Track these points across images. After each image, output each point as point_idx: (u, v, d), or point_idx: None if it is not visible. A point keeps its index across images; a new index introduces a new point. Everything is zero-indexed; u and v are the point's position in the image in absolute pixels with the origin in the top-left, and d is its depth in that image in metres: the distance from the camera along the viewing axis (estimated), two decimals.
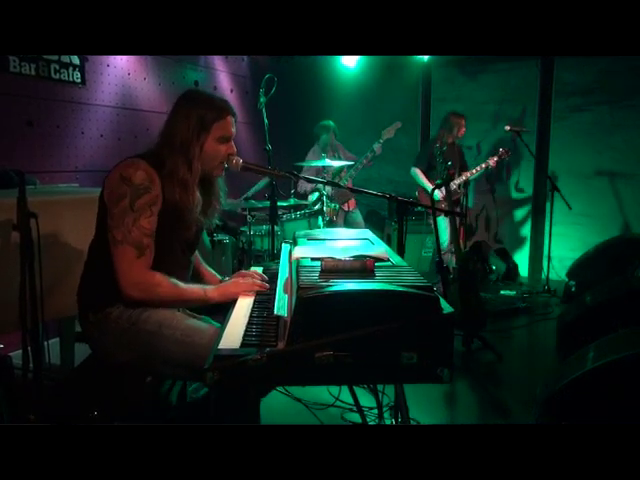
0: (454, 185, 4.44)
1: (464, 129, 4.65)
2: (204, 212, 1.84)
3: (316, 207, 4.26)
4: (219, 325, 1.69)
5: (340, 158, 4.73)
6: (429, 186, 4.57)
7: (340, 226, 4.68)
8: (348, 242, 1.98)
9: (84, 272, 1.80)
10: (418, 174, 4.66)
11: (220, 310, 1.76)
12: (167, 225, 1.71)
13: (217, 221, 1.97)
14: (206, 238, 3.42)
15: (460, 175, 4.52)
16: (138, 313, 1.67)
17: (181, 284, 1.72)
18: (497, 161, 4.50)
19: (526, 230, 5.71)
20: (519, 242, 5.75)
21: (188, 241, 1.87)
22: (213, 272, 2.10)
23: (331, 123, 4.82)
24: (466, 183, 4.49)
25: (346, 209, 4.76)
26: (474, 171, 4.51)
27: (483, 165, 4.50)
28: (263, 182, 4.15)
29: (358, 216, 4.92)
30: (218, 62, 5.01)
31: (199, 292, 1.75)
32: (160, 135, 1.76)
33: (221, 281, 2.01)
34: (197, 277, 2.00)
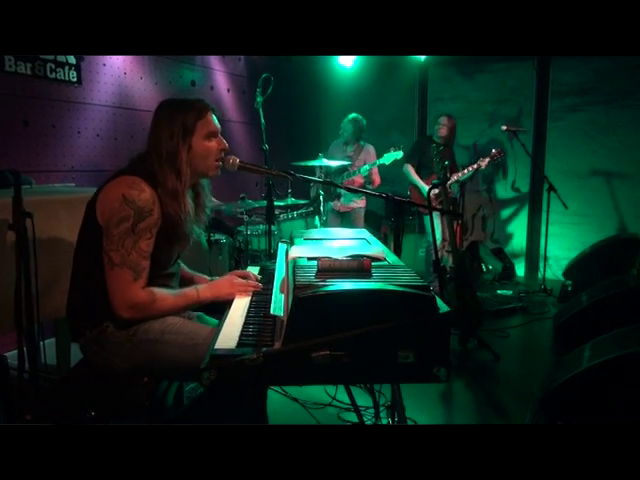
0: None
1: (444, 128, 4.57)
2: (196, 219, 1.80)
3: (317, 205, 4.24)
4: (216, 322, 1.69)
5: (349, 158, 4.68)
6: (421, 184, 4.56)
7: (334, 224, 4.66)
8: (345, 242, 1.98)
9: (73, 289, 1.74)
10: (410, 171, 4.63)
11: (217, 308, 1.75)
12: (165, 240, 1.68)
13: (204, 230, 1.93)
14: (202, 238, 3.41)
15: (451, 175, 4.50)
16: (137, 325, 1.66)
17: (173, 292, 1.70)
18: (489, 162, 4.42)
19: (522, 230, 5.73)
20: (515, 242, 5.77)
21: (182, 250, 1.85)
22: (199, 274, 2.04)
23: (352, 116, 4.68)
24: (462, 184, 4.48)
25: (337, 208, 4.73)
26: (465, 171, 4.46)
27: (475, 166, 4.43)
28: None
29: (361, 211, 4.83)
30: (215, 61, 5.01)
31: (192, 294, 1.73)
32: (147, 148, 1.71)
33: (211, 280, 1.96)
34: (187, 283, 1.94)
